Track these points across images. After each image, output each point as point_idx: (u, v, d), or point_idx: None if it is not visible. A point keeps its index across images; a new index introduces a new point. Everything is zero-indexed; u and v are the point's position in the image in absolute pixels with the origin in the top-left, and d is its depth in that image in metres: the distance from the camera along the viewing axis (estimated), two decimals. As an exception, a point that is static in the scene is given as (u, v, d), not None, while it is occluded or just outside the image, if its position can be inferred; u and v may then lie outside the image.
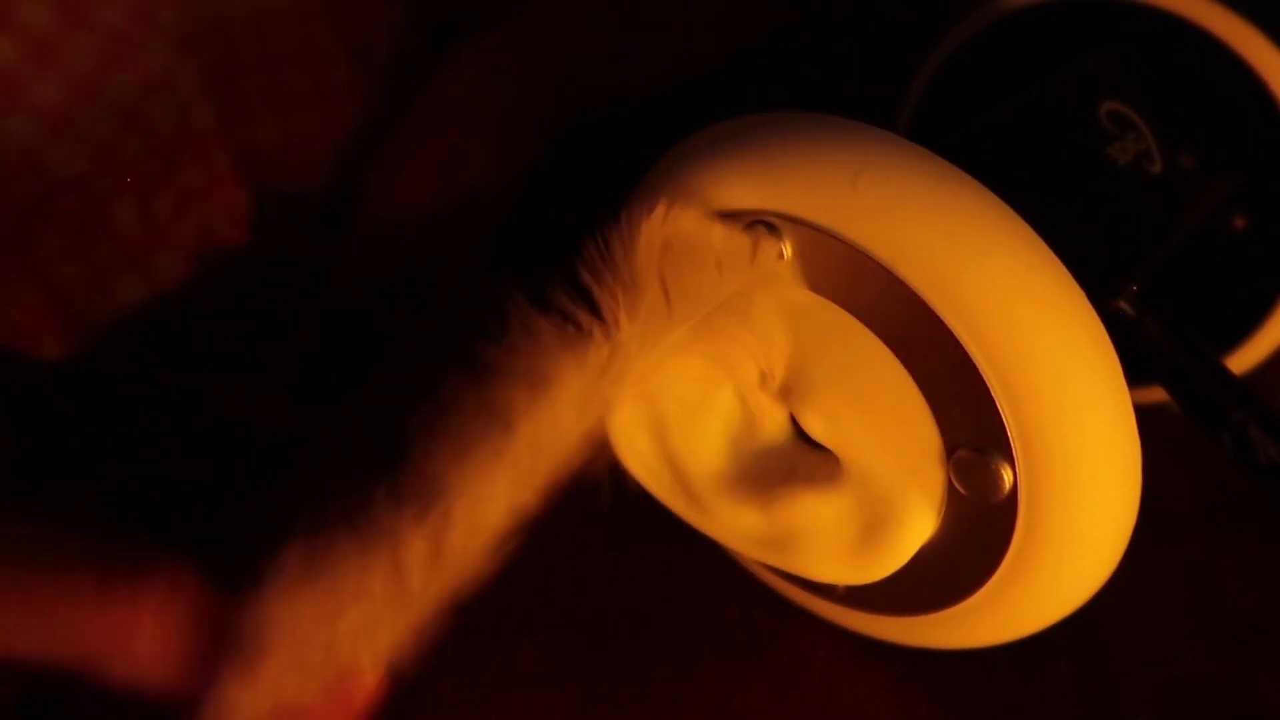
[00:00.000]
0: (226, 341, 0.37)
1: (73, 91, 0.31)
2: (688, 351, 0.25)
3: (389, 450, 0.35)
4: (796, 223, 0.23)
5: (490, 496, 0.21)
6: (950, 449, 0.23)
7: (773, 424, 0.26)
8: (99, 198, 0.32)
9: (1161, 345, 0.28)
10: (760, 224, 0.23)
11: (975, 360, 0.22)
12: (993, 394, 0.22)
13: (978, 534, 0.24)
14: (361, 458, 0.36)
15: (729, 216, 0.24)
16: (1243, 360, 0.32)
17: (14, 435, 0.32)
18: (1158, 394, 0.28)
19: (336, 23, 0.37)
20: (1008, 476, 0.23)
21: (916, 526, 0.24)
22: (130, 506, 0.33)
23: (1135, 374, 0.23)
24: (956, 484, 0.23)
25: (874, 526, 0.25)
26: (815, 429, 0.25)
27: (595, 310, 0.23)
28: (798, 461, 0.26)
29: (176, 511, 0.33)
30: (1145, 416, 0.23)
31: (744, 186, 0.24)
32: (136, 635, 0.21)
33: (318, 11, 0.36)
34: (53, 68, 0.31)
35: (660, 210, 0.23)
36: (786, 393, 0.25)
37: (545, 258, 0.39)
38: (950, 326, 0.22)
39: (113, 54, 0.32)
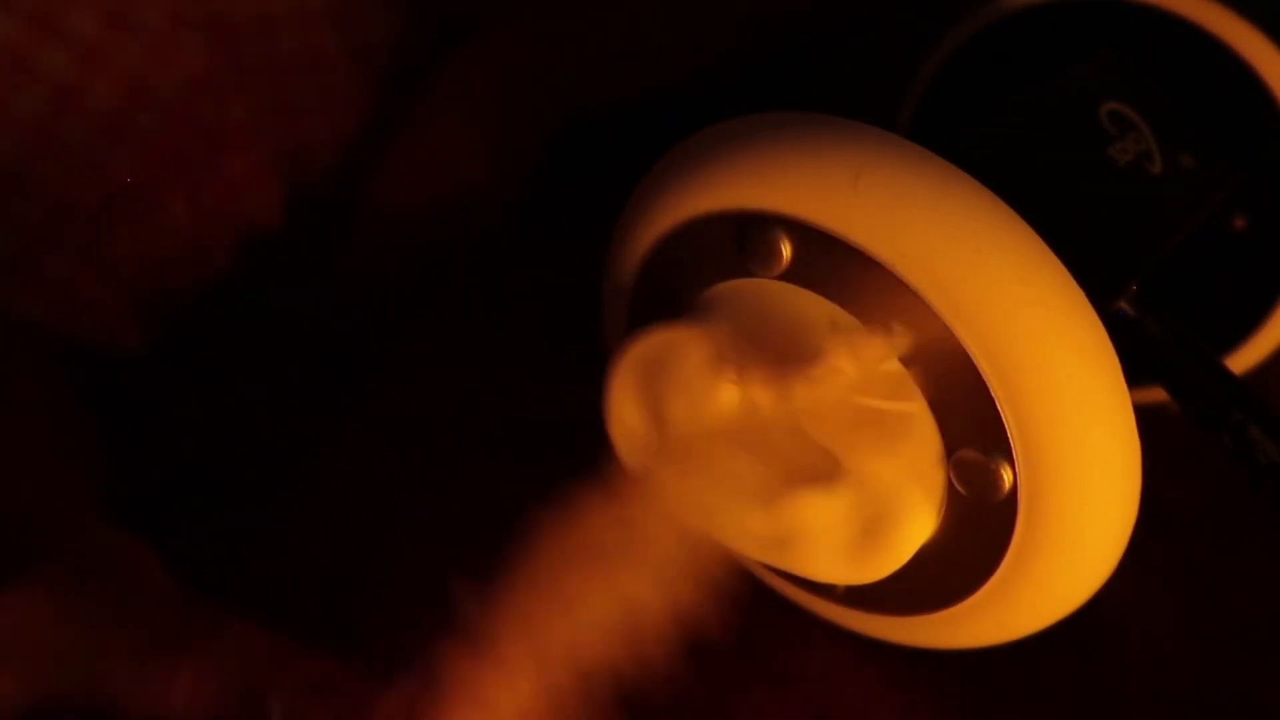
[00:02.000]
0: (233, 344, 0.37)
1: (123, 95, 0.32)
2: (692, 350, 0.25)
3: (389, 452, 0.35)
4: (796, 223, 0.23)
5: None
6: (950, 449, 0.23)
7: (772, 424, 0.26)
8: (157, 197, 0.33)
9: (1161, 345, 0.28)
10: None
11: (975, 360, 0.22)
12: (993, 394, 0.22)
13: (978, 534, 0.24)
14: (363, 460, 0.36)
15: (729, 217, 0.24)
16: (1243, 360, 0.32)
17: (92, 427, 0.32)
18: (1158, 394, 0.28)
19: (340, 26, 0.37)
20: (1008, 476, 0.23)
21: (916, 526, 0.24)
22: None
23: (1135, 374, 0.23)
24: (956, 484, 0.23)
25: (874, 526, 0.25)
26: (815, 429, 0.25)
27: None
28: (798, 461, 0.26)
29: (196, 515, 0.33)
30: (1145, 416, 0.23)
31: (744, 186, 0.24)
32: (173, 694, 0.21)
33: (321, 14, 0.36)
34: (104, 73, 0.31)
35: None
36: (786, 393, 0.25)
37: (542, 261, 0.40)
38: (950, 327, 0.22)
39: (156, 55, 0.32)
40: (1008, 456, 0.22)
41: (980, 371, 0.22)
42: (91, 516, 0.28)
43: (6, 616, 0.22)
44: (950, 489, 0.24)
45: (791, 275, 0.24)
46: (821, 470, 0.25)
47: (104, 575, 0.24)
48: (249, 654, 0.23)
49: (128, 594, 0.23)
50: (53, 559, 0.24)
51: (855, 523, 0.25)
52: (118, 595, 0.23)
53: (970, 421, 0.23)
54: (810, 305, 0.24)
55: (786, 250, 0.23)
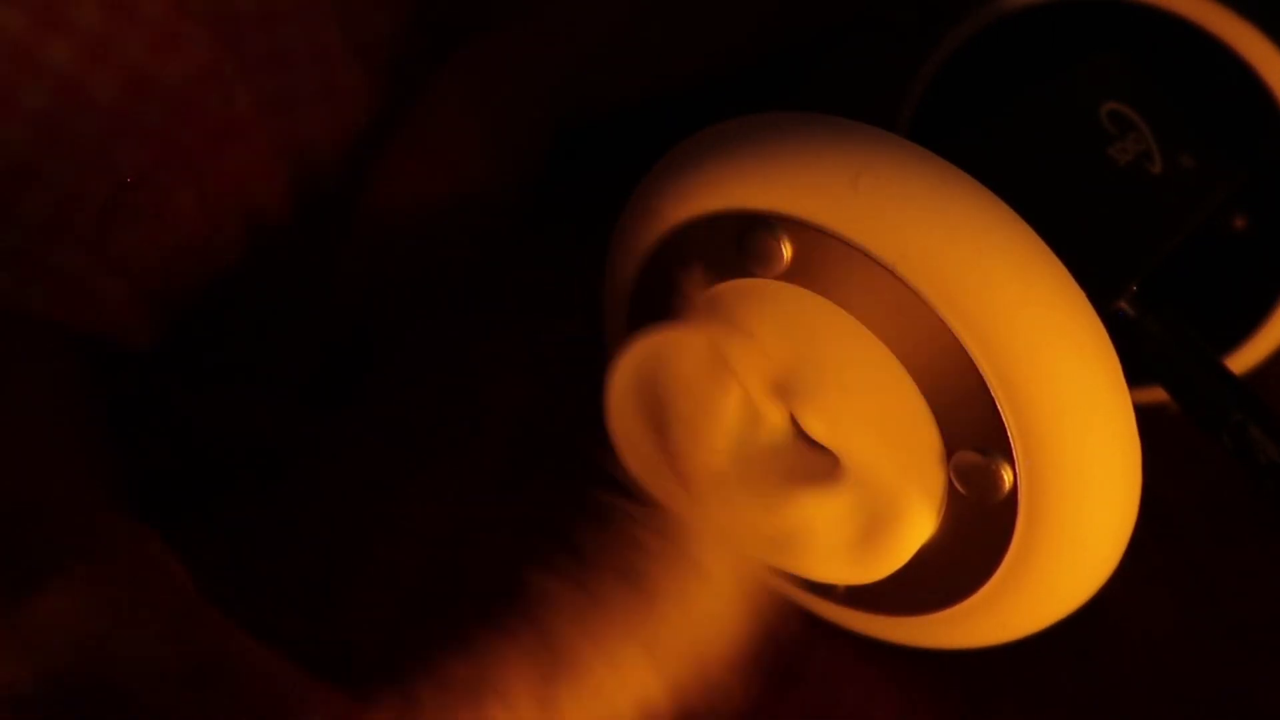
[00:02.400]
0: (234, 344, 0.37)
1: (128, 87, 0.32)
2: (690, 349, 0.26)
3: (390, 451, 0.35)
4: (796, 223, 0.23)
5: (617, 673, 0.21)
6: (950, 449, 0.23)
7: (773, 424, 0.26)
8: (163, 188, 0.33)
9: (1161, 345, 0.28)
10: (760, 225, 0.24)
11: (976, 360, 0.22)
12: (993, 394, 0.22)
13: (978, 534, 0.24)
14: (364, 460, 0.36)
15: (729, 217, 0.24)
16: (1243, 360, 0.32)
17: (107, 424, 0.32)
18: (1158, 394, 0.28)
19: (342, 21, 0.37)
20: (1008, 477, 0.23)
21: (916, 526, 0.24)
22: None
23: (1135, 374, 0.23)
24: (956, 484, 0.23)
25: (874, 526, 0.25)
26: (815, 429, 0.25)
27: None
28: (798, 461, 0.26)
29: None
30: (1145, 416, 0.23)
31: (744, 186, 0.24)
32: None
33: (323, 9, 0.36)
34: (108, 65, 0.31)
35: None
36: (786, 393, 0.25)
37: (542, 260, 0.40)
38: (950, 327, 0.22)
39: (159, 46, 0.32)
40: (1008, 456, 0.22)
41: (980, 371, 0.22)
42: (103, 509, 0.28)
43: (36, 613, 0.22)
44: (950, 489, 0.24)
45: (791, 275, 0.24)
46: (821, 470, 0.25)
47: (127, 573, 0.24)
48: (260, 683, 0.23)
49: (149, 594, 0.23)
50: (76, 555, 0.24)
51: (855, 523, 0.25)
52: (140, 595, 0.23)
53: (970, 421, 0.23)
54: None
55: (786, 250, 0.23)
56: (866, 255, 0.22)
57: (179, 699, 0.22)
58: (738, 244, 0.24)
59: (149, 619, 0.23)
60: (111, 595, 0.23)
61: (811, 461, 0.26)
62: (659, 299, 0.26)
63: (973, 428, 0.23)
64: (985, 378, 0.22)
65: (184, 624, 0.23)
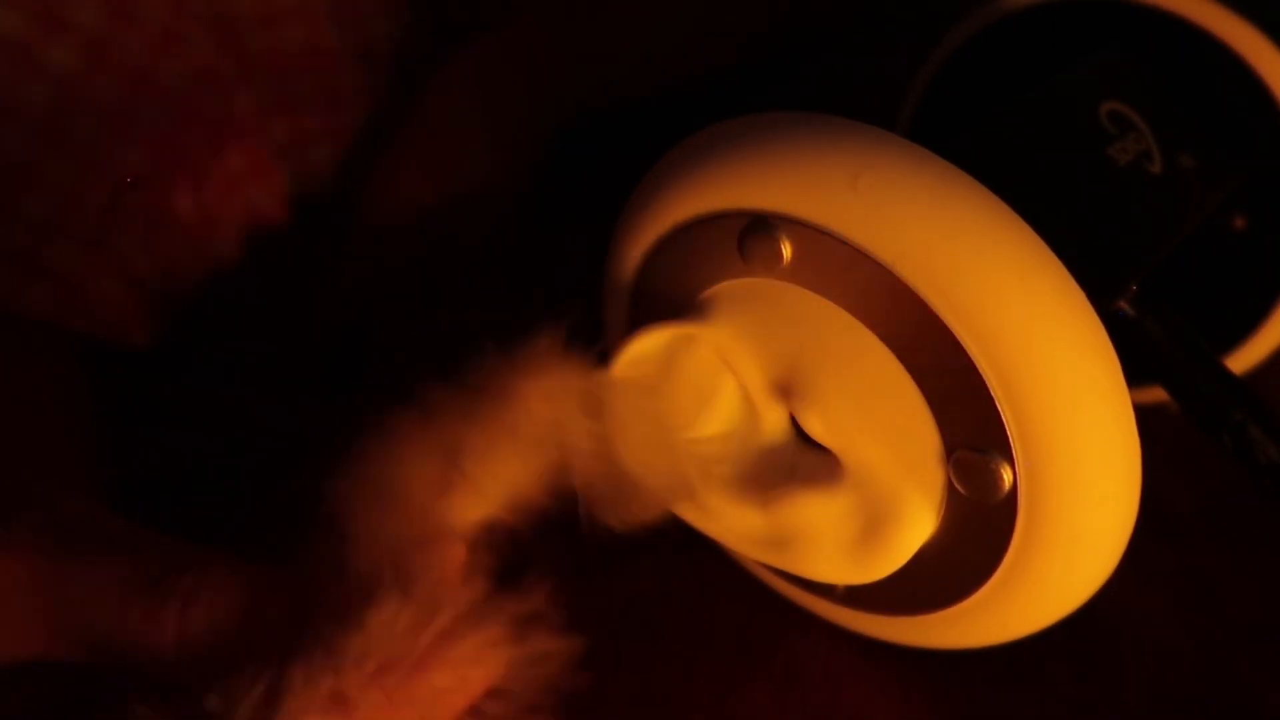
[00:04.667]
0: (234, 342, 0.37)
1: (127, 88, 0.32)
2: (689, 350, 0.26)
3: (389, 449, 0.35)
4: (796, 223, 0.23)
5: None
6: (950, 449, 0.23)
7: (773, 424, 0.26)
8: (162, 188, 0.33)
9: (1161, 345, 0.28)
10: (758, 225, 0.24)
11: (975, 360, 0.22)
12: (993, 394, 0.22)
13: (978, 534, 0.24)
14: (360, 458, 0.36)
15: (729, 216, 0.24)
16: (1243, 360, 0.32)
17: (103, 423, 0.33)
18: (1158, 394, 0.28)
19: (342, 22, 0.37)
20: (1008, 476, 0.23)
21: (916, 526, 0.24)
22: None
23: (1135, 374, 0.23)
24: (956, 484, 0.23)
25: (874, 526, 0.25)
26: (815, 429, 0.25)
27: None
28: (798, 461, 0.26)
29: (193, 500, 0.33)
30: (1145, 416, 0.23)
31: (744, 186, 0.24)
32: (163, 633, 0.21)
33: (323, 11, 0.36)
34: (107, 66, 0.31)
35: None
36: (786, 393, 0.25)
37: (543, 260, 0.40)
38: (950, 326, 0.22)
39: (159, 47, 0.32)
40: (1007, 456, 0.22)
41: (980, 371, 0.22)
42: (79, 496, 0.27)
43: None
44: (950, 489, 0.24)
45: (791, 275, 0.24)
46: (821, 470, 0.25)
47: (73, 530, 0.24)
48: (233, 584, 0.23)
49: (100, 543, 0.23)
50: (16, 520, 0.24)
51: (855, 523, 0.25)
52: (90, 546, 0.23)
53: (970, 421, 0.23)
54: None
55: (786, 250, 0.23)
56: (866, 255, 0.22)
57: (144, 619, 0.22)
58: (738, 244, 0.24)
59: (96, 560, 0.23)
60: (53, 551, 0.23)
61: (811, 461, 0.26)
62: (659, 299, 0.26)
63: (972, 427, 0.23)
64: (985, 377, 0.22)
65: (135, 551, 0.23)
